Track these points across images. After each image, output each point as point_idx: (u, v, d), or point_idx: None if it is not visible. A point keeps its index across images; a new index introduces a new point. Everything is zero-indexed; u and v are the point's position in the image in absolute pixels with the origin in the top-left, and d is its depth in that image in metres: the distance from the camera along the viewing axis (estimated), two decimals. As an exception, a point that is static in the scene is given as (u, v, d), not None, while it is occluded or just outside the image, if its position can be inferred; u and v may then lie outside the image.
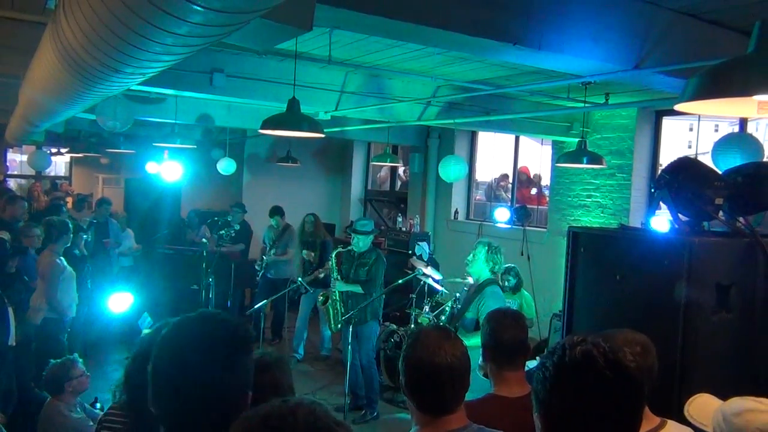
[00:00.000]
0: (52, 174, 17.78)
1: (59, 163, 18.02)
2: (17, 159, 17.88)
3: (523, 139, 9.43)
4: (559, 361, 1.41)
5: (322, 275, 7.80)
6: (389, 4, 3.11)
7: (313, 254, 8.17)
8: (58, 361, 4.27)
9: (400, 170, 11.84)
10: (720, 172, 3.17)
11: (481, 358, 2.63)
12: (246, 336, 1.44)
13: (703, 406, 2.13)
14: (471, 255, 4.92)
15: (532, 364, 4.41)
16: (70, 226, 6.01)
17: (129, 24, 2.02)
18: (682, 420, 2.22)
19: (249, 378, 1.43)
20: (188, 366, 1.36)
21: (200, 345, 1.38)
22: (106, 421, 2.38)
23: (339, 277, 6.49)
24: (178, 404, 1.38)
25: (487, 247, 4.85)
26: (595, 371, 1.37)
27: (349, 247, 6.41)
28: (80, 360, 4.37)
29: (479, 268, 4.85)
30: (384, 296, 6.39)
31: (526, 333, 2.64)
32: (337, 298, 6.43)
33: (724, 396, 2.23)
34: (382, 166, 12.05)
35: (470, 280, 7.01)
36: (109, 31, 2.17)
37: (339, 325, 6.38)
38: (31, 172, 15.73)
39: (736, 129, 6.83)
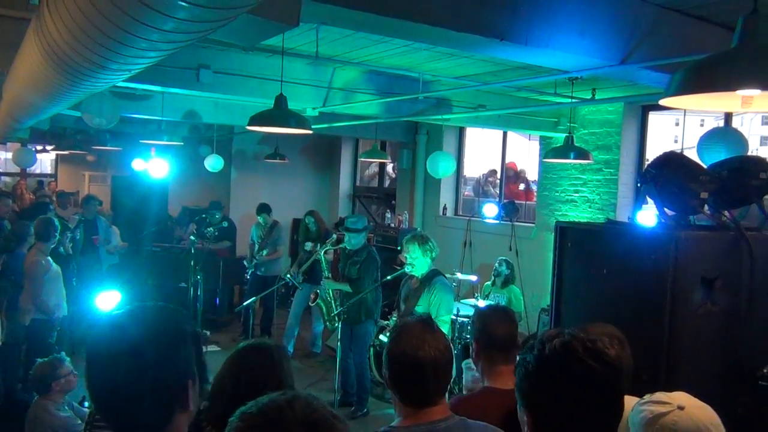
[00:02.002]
0: (38, 171, 17.64)
1: (45, 161, 17.87)
2: (1, 156, 17.73)
3: (510, 134, 9.47)
4: (540, 354, 1.42)
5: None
6: (376, 0, 3.10)
7: (315, 245, 8.08)
8: (45, 360, 4.24)
9: (389, 167, 11.84)
10: (705, 167, 3.20)
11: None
12: (178, 327, 1.43)
13: None
14: (407, 258, 4.94)
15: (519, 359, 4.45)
16: (57, 225, 5.96)
17: (113, 20, 2.01)
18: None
19: (186, 368, 1.41)
20: (116, 362, 1.35)
21: (130, 339, 1.37)
22: (96, 421, 2.37)
23: (329, 275, 6.48)
24: (111, 399, 1.38)
25: (417, 242, 4.91)
26: (576, 361, 1.38)
27: (341, 245, 6.41)
28: (67, 359, 4.34)
29: (422, 264, 4.91)
30: (380, 295, 6.35)
31: (517, 327, 2.68)
32: (331, 296, 6.42)
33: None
34: (370, 163, 12.04)
35: (459, 275, 7.09)
36: (93, 27, 2.15)
37: (335, 323, 6.36)
38: (17, 169, 15.59)
39: (722, 124, 6.89)
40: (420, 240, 4.94)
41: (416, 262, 4.93)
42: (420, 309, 4.81)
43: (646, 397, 1.80)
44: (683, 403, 1.71)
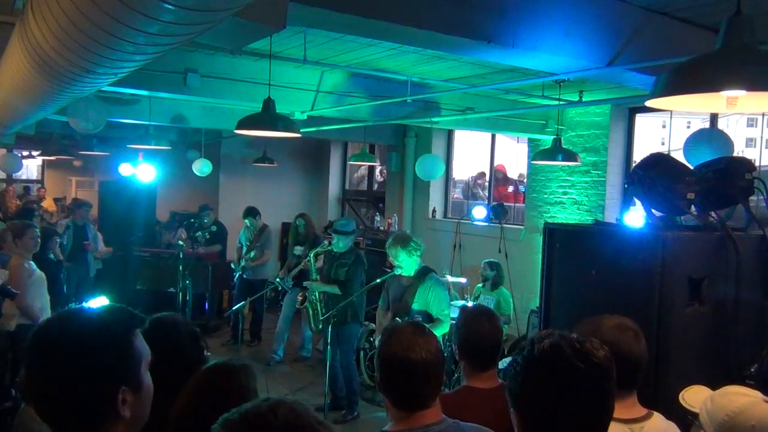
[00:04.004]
0: (24, 177, 17.50)
1: (31, 167, 17.74)
2: (-13, 162, 17.52)
3: (499, 137, 9.49)
4: (529, 355, 1.43)
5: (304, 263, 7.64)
6: (363, 3, 3.11)
7: (305, 249, 8.06)
8: (32, 367, 4.19)
9: (378, 170, 11.84)
10: (691, 168, 3.22)
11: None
12: (111, 333, 1.40)
13: (697, 393, 2.19)
14: (396, 262, 4.96)
15: (506, 362, 4.46)
16: (36, 230, 5.88)
17: (99, 23, 2.00)
18: (661, 410, 2.26)
19: (117, 374, 1.38)
20: (49, 367, 1.35)
21: (59, 345, 1.35)
22: None
23: (318, 278, 6.47)
24: (45, 400, 1.37)
25: (399, 246, 4.90)
26: (563, 362, 1.39)
27: (329, 247, 6.40)
28: (55, 365, 4.29)
29: (410, 264, 4.92)
30: (365, 297, 6.36)
31: (500, 331, 2.69)
32: (317, 298, 6.41)
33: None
34: (359, 166, 12.04)
35: (449, 278, 7.09)
36: (78, 30, 2.13)
37: (320, 326, 6.35)
38: (2, 175, 15.47)
39: (708, 125, 6.94)
40: (402, 242, 4.93)
41: (404, 263, 4.94)
42: (417, 306, 4.82)
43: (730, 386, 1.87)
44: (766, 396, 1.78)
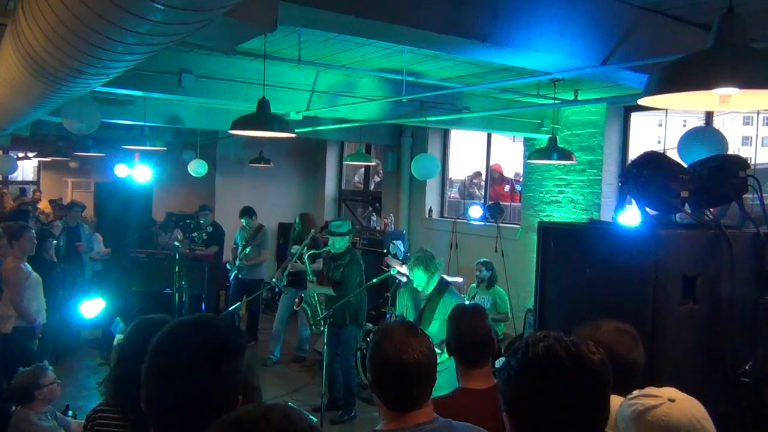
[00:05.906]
0: (20, 179, 17.47)
1: (27, 168, 17.71)
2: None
3: (495, 136, 9.50)
4: (523, 357, 1.40)
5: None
6: (357, 3, 3.10)
7: (300, 249, 8.01)
8: (27, 369, 4.18)
9: (374, 170, 11.83)
10: (685, 166, 3.22)
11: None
12: (237, 342, 1.52)
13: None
14: (417, 282, 4.75)
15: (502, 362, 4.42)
16: (33, 231, 5.87)
17: (89, 23, 1.99)
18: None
19: (238, 382, 1.48)
20: (180, 370, 1.41)
21: (193, 350, 1.43)
22: (98, 419, 2.27)
23: (314, 279, 6.46)
24: (167, 406, 1.42)
25: (423, 266, 4.71)
26: (557, 365, 1.36)
27: (326, 248, 6.39)
28: (50, 367, 4.28)
29: (431, 283, 4.77)
30: (365, 298, 6.32)
31: (490, 328, 2.68)
32: (317, 300, 6.40)
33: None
34: (356, 166, 12.03)
35: (446, 278, 7.06)
36: (68, 30, 2.13)
37: (321, 327, 6.31)
38: (-2, 177, 15.45)
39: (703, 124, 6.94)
40: (425, 264, 4.72)
41: (426, 283, 4.77)
42: (437, 322, 4.64)
43: (636, 392, 1.78)
44: (674, 395, 1.70)
